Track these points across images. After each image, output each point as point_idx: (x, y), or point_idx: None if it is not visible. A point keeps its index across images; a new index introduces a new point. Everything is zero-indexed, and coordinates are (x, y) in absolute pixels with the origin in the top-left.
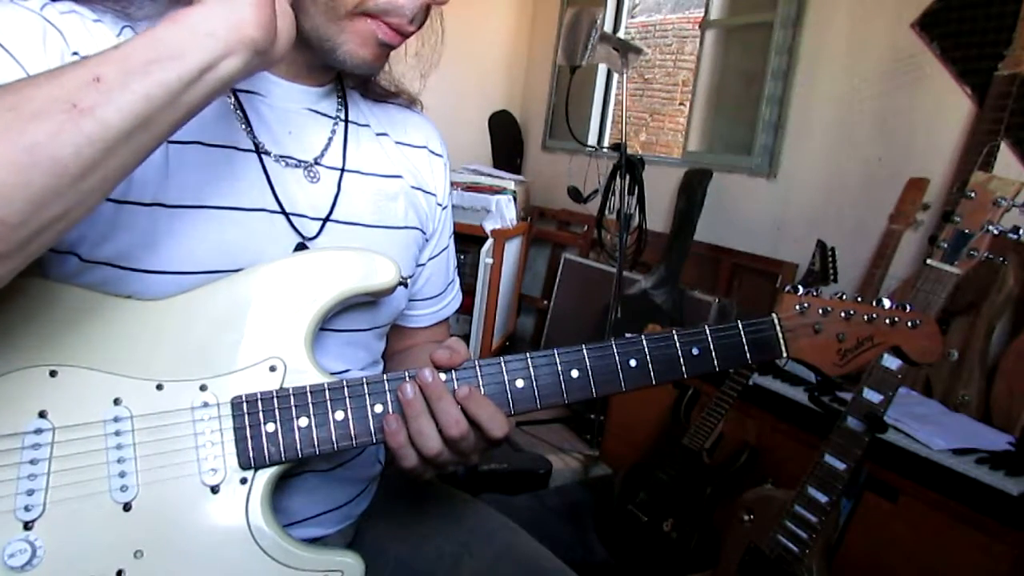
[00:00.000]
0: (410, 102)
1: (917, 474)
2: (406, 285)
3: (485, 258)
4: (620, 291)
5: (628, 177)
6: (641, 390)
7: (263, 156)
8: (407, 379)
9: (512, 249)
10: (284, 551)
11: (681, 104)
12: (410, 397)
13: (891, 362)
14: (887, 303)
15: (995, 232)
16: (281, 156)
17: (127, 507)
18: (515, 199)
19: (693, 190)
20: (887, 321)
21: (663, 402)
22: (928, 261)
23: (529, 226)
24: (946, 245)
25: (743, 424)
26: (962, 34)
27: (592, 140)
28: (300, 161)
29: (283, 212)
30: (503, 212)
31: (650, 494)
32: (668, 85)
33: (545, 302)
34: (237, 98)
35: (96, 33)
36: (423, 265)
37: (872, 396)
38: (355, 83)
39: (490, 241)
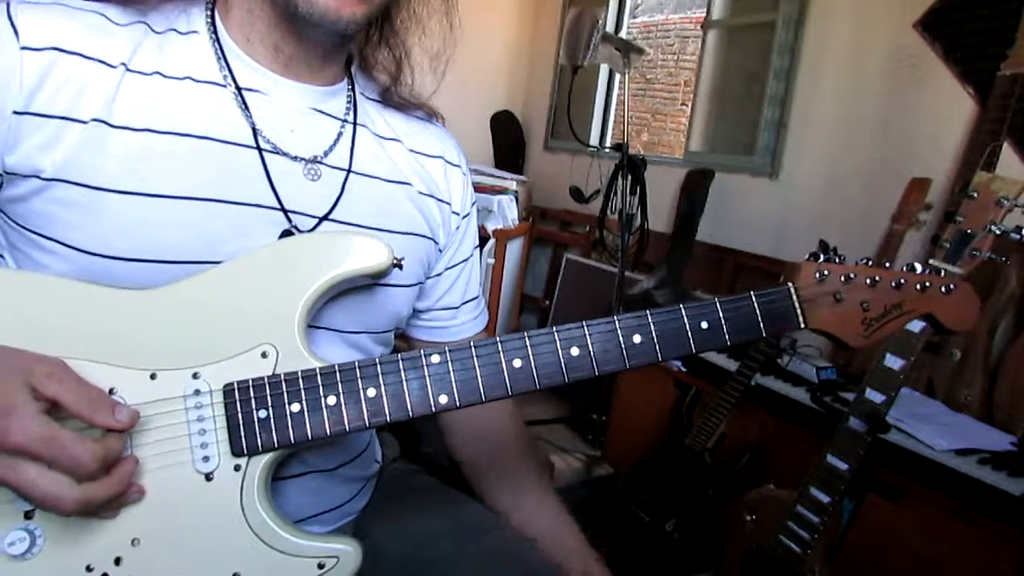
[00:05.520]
0: (430, 115)
1: (920, 474)
2: (400, 267)
3: (487, 258)
4: (622, 291)
5: (630, 177)
6: (647, 368)
7: (264, 153)
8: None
9: (514, 249)
10: (280, 539)
11: (683, 104)
12: None
13: (894, 362)
14: (918, 267)
15: (998, 232)
16: (282, 153)
17: None
18: (517, 199)
19: (695, 190)
20: (917, 287)
21: (665, 402)
22: (930, 261)
23: (531, 226)
24: (948, 245)
25: (745, 424)
26: (964, 34)
27: (594, 140)
28: (301, 159)
29: (281, 208)
30: (505, 212)
31: (652, 494)
32: (670, 85)
33: (547, 302)
34: (241, 94)
35: (84, 22)
36: (440, 275)
37: (874, 396)
38: (368, 90)
39: (492, 241)
